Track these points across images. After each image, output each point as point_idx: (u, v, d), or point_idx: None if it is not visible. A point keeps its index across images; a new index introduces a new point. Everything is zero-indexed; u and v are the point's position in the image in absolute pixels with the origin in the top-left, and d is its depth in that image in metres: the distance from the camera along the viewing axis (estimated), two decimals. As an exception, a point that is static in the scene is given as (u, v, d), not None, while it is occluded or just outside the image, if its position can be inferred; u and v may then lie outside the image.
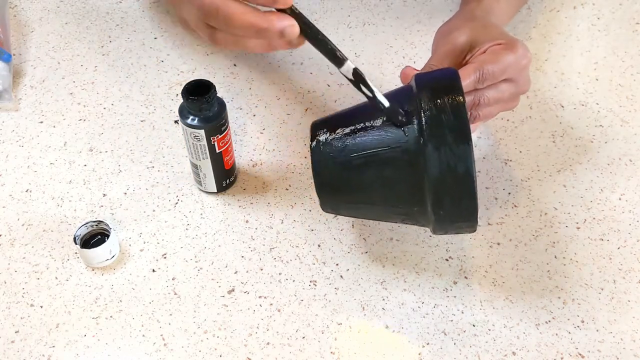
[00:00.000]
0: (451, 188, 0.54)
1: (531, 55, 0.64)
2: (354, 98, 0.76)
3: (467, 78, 0.60)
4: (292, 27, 0.52)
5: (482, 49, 0.64)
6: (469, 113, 0.60)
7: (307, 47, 0.55)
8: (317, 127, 0.59)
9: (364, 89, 0.55)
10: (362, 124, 0.57)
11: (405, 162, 0.55)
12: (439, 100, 0.54)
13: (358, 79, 0.54)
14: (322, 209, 0.61)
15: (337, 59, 0.54)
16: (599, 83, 0.78)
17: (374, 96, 0.55)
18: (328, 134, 0.58)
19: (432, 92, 0.54)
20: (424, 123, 0.53)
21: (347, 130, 0.57)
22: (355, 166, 0.56)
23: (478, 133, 0.73)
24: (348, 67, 0.54)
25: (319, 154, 0.58)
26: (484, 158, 0.71)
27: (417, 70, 0.63)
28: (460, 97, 0.53)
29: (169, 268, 0.63)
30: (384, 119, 0.56)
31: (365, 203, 0.58)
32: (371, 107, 0.56)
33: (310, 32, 0.53)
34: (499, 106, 0.65)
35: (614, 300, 0.61)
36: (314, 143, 0.58)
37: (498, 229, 0.66)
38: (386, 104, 0.55)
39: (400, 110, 0.55)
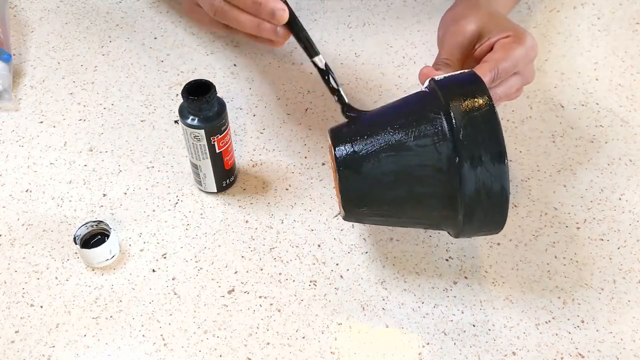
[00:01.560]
0: (485, 204, 0.53)
1: (538, 47, 0.64)
2: (354, 98, 0.76)
3: (483, 79, 0.60)
4: (283, 10, 0.61)
5: (490, 41, 0.64)
6: None
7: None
8: (340, 137, 0.57)
9: (332, 81, 0.61)
10: (391, 138, 0.55)
11: (438, 181, 0.54)
12: (472, 118, 0.52)
13: (329, 70, 0.61)
14: (345, 220, 0.59)
15: (314, 50, 0.62)
16: (599, 83, 0.78)
17: (339, 89, 0.60)
18: (354, 147, 0.55)
19: (464, 108, 0.53)
20: (459, 142, 0.52)
21: (376, 143, 0.55)
22: (386, 183, 0.55)
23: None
24: (320, 59, 0.61)
25: (346, 169, 0.56)
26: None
27: (436, 71, 0.61)
28: (495, 114, 0.52)
29: (169, 268, 0.63)
30: (415, 132, 0.54)
31: (392, 216, 0.58)
32: (397, 116, 0.56)
33: (296, 21, 0.62)
34: (505, 99, 0.65)
35: (614, 300, 0.61)
36: (340, 156, 0.56)
37: (498, 229, 0.66)
38: (346, 100, 0.60)
39: (352, 112, 0.60)
